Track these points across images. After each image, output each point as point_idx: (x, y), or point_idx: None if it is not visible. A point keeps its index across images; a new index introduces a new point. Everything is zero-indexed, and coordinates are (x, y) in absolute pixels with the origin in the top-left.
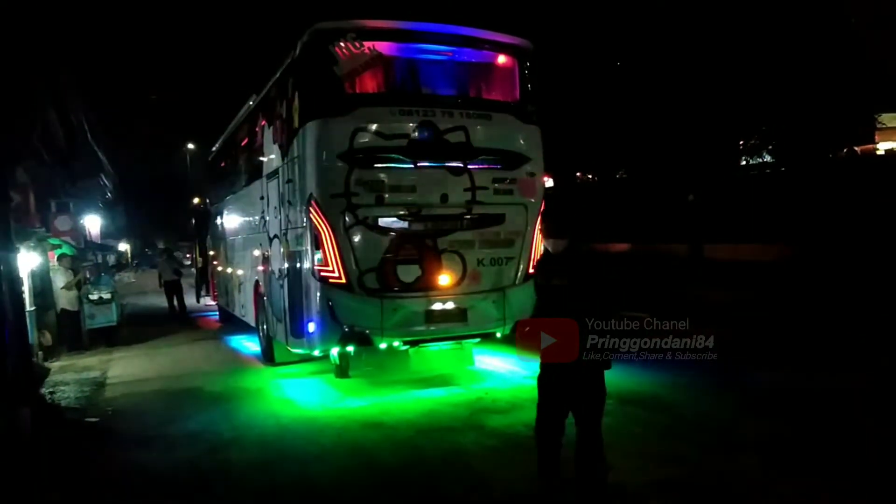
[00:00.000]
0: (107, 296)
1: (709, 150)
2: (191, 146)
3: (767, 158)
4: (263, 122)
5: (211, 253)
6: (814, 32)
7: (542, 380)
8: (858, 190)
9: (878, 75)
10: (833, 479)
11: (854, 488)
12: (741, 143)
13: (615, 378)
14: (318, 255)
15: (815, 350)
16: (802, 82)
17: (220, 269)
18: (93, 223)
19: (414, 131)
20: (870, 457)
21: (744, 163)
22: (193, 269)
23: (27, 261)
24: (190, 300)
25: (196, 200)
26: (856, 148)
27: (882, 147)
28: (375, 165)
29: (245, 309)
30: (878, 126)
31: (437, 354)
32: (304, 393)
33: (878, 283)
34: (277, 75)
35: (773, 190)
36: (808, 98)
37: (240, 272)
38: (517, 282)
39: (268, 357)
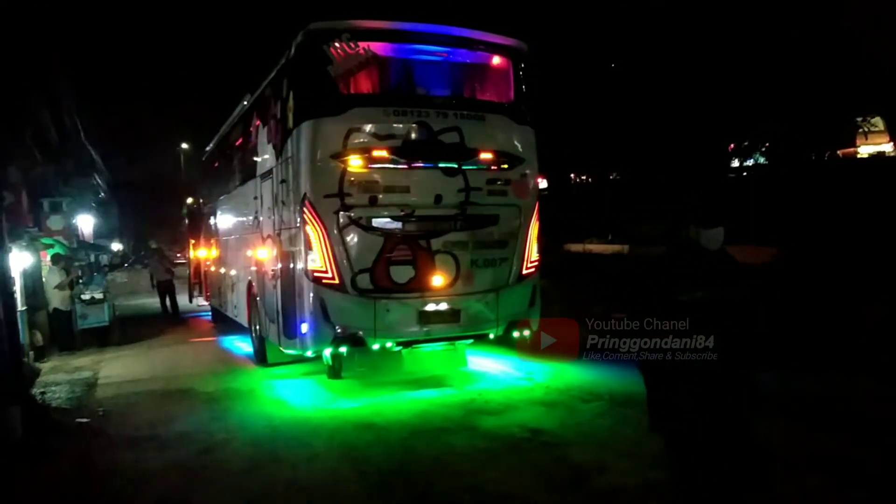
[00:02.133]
0: (99, 296)
1: (700, 152)
2: (185, 146)
3: (761, 160)
4: (258, 122)
5: (204, 253)
6: (805, 36)
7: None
8: (845, 192)
9: (871, 78)
10: (831, 479)
11: (854, 487)
12: (731, 146)
13: (610, 380)
14: (312, 256)
15: (809, 351)
16: (791, 86)
17: (212, 269)
18: (85, 222)
19: (408, 132)
20: (869, 456)
21: (736, 164)
22: (186, 269)
23: (19, 260)
24: (182, 300)
25: (189, 200)
26: (838, 152)
27: (864, 151)
28: (369, 166)
29: (238, 309)
30: (871, 129)
31: (430, 355)
32: (296, 394)
33: (866, 283)
34: (272, 75)
35: (763, 192)
36: (795, 102)
37: (233, 272)
38: (511, 283)
39: (260, 358)
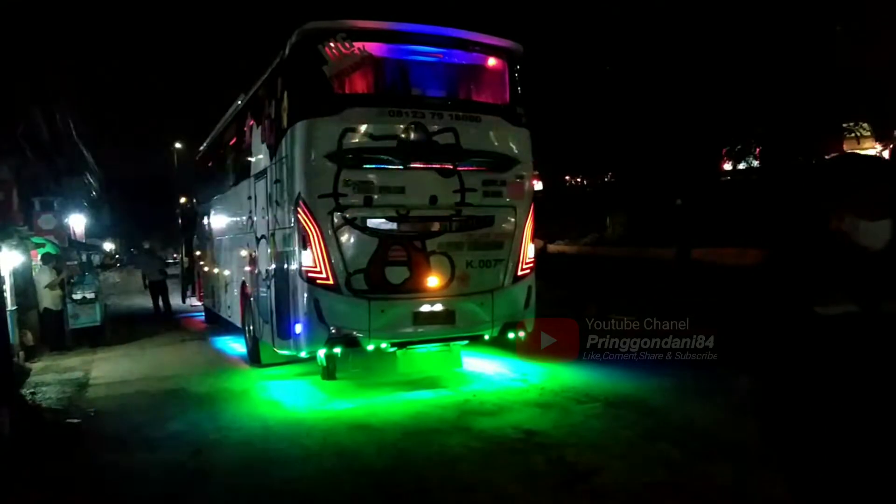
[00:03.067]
0: (90, 295)
1: (694, 155)
2: (178, 145)
3: (754, 164)
4: (252, 122)
5: (197, 253)
6: (797, 41)
7: None
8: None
9: (860, 83)
10: (821, 479)
11: (843, 489)
12: (724, 149)
13: (605, 381)
14: (306, 256)
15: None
16: (783, 91)
17: (206, 269)
18: (77, 222)
19: (403, 132)
20: (858, 456)
21: (729, 167)
22: (179, 270)
23: (9, 259)
24: (175, 300)
25: (183, 200)
26: (825, 157)
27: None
28: (364, 166)
29: (231, 310)
30: (862, 134)
31: (424, 356)
32: (290, 395)
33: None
34: (266, 75)
35: (754, 195)
36: (786, 107)
37: (226, 272)
38: (506, 284)
39: (254, 358)
